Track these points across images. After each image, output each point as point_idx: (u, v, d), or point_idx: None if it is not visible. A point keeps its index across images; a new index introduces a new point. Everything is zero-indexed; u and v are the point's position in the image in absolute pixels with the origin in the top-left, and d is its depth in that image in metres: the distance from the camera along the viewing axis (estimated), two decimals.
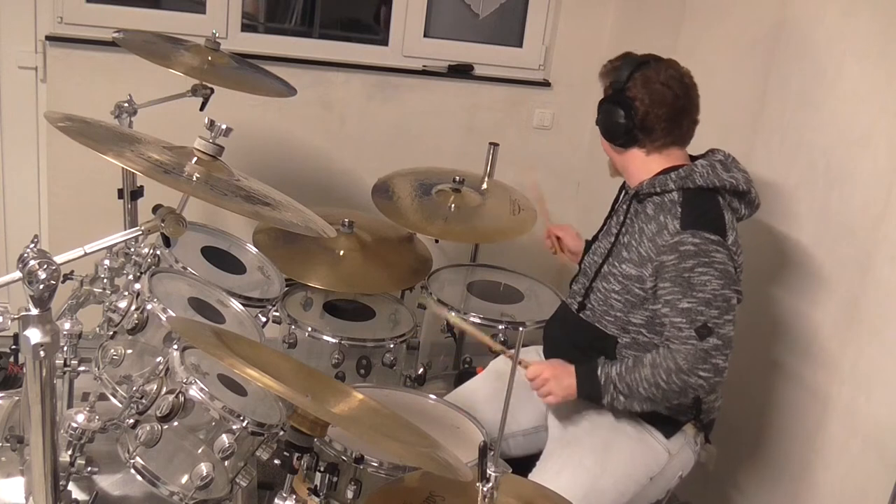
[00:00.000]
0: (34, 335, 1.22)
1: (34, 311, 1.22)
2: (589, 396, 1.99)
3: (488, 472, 1.39)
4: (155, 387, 1.64)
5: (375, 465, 1.78)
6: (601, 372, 1.97)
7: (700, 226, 1.89)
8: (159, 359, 1.75)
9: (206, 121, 1.67)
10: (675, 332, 1.90)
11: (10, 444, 1.81)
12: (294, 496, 1.46)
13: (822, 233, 2.26)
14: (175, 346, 1.71)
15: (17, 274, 1.23)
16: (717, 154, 2.04)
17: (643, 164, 2.03)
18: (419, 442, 1.53)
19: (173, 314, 1.83)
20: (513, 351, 1.71)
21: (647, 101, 1.96)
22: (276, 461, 1.47)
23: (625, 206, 2.08)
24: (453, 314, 2.37)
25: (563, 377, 2.00)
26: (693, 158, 2.06)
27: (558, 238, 2.49)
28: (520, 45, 3.46)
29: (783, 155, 2.41)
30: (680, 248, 1.88)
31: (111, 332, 1.85)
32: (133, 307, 1.82)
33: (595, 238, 2.21)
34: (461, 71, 3.35)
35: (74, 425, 1.62)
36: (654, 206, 1.98)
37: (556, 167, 3.49)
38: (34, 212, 3.16)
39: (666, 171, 1.99)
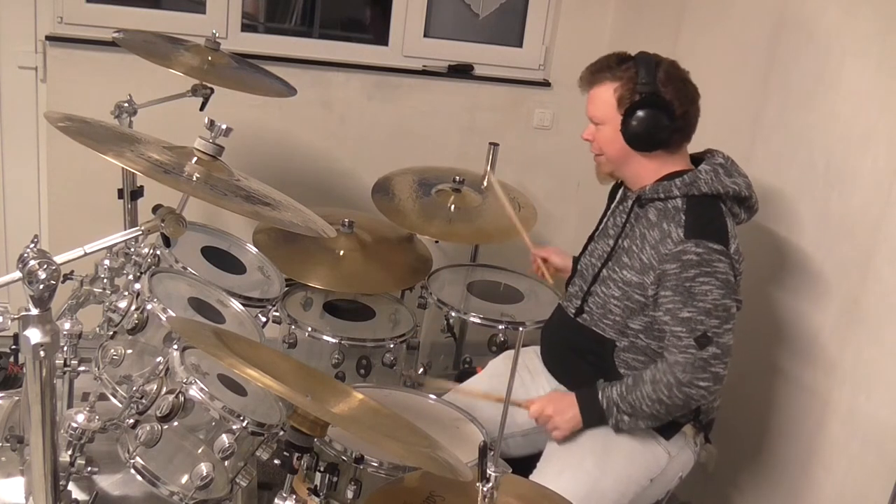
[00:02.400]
0: (34, 335, 1.22)
1: (34, 311, 1.22)
2: (594, 423, 2.00)
3: (488, 472, 1.39)
4: (155, 387, 1.64)
5: (375, 465, 1.78)
6: (602, 396, 1.97)
7: (704, 235, 1.88)
8: (159, 359, 1.75)
9: (206, 121, 1.67)
10: (675, 341, 1.90)
11: (10, 444, 1.81)
12: (294, 496, 1.46)
13: (822, 233, 2.26)
14: (175, 346, 1.71)
15: (17, 274, 1.23)
16: (716, 157, 2.02)
17: (660, 166, 1.99)
18: (419, 442, 1.53)
19: (173, 314, 1.83)
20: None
21: (683, 99, 1.93)
22: (276, 461, 1.47)
23: (625, 209, 2.08)
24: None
25: (565, 410, 2.01)
26: (691, 157, 2.06)
27: (545, 260, 2.46)
28: (520, 45, 3.46)
29: (783, 155, 2.41)
30: (683, 257, 1.87)
31: (111, 332, 1.85)
32: (133, 307, 1.82)
33: (591, 239, 2.20)
34: (461, 71, 3.34)
35: (74, 425, 1.62)
36: (657, 213, 1.97)
37: (556, 167, 3.48)
38: (34, 212, 3.16)
39: (669, 177, 1.97)
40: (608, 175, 2.10)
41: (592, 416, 1.99)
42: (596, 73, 2.00)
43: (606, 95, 1.97)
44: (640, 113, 1.93)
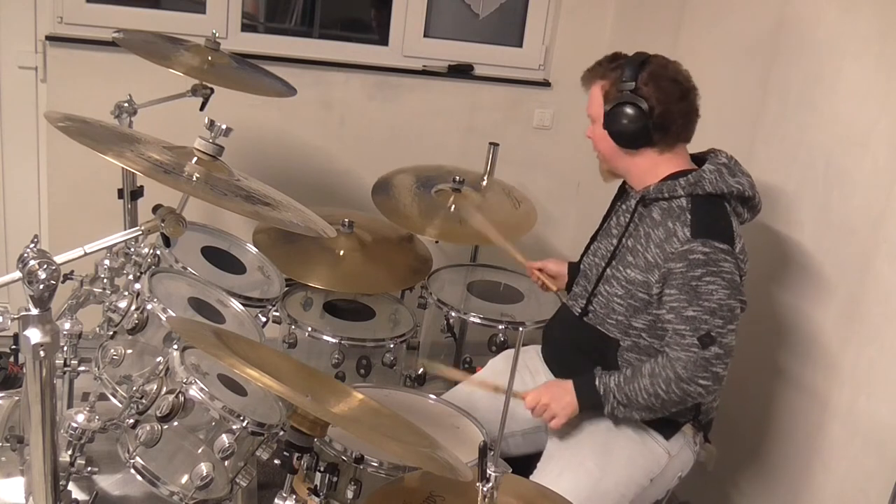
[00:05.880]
0: (34, 335, 1.22)
1: (34, 311, 1.22)
2: (590, 408, 2.00)
3: (488, 471, 1.39)
4: (155, 387, 1.64)
5: (375, 465, 1.78)
6: (599, 383, 1.97)
7: (710, 234, 1.89)
8: (159, 359, 1.75)
9: (206, 121, 1.67)
10: (677, 339, 1.90)
11: (10, 444, 1.81)
12: (294, 496, 1.46)
13: (822, 233, 2.26)
14: (175, 346, 1.71)
15: (17, 274, 1.23)
16: (719, 156, 2.03)
17: (653, 166, 2.00)
18: (419, 442, 1.53)
19: (173, 314, 1.83)
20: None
21: (662, 98, 1.94)
22: (276, 461, 1.47)
23: (628, 209, 2.08)
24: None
25: (561, 397, 2.00)
26: (693, 157, 2.06)
27: (540, 269, 2.45)
28: (520, 45, 3.46)
29: (783, 155, 2.41)
30: (689, 256, 1.88)
31: (111, 332, 1.85)
32: (133, 307, 1.82)
33: (593, 238, 2.21)
34: (461, 71, 3.34)
35: (74, 425, 1.62)
36: (662, 212, 1.97)
37: (556, 167, 3.49)
38: (34, 212, 3.16)
39: (673, 176, 1.98)
40: (608, 173, 2.12)
41: (588, 401, 1.99)
42: (591, 72, 2.06)
43: (596, 94, 2.03)
44: (617, 110, 1.97)
